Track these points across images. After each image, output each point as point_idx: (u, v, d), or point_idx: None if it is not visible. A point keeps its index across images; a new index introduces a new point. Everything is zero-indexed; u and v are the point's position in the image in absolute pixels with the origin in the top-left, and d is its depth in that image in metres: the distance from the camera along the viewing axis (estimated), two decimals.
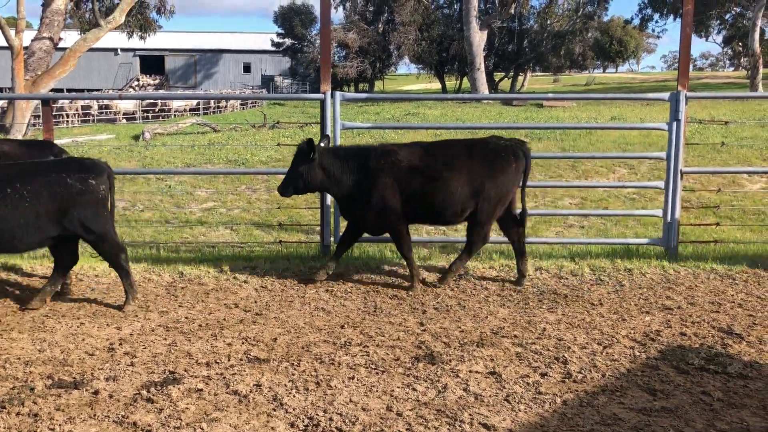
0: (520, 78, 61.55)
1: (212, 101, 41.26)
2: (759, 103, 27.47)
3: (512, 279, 6.90)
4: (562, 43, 57.53)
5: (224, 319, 5.75)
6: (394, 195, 6.41)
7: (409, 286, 6.60)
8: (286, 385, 4.40)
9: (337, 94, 7.39)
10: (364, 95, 8.55)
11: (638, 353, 4.97)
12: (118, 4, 18.55)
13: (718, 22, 61.23)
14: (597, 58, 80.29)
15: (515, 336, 5.33)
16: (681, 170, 7.49)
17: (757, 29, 44.39)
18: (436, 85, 65.01)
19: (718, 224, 8.46)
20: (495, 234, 7.22)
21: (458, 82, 61.48)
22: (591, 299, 6.28)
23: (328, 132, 7.35)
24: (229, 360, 4.83)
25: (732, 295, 6.39)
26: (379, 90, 67.20)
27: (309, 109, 32.49)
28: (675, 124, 7.35)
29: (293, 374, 4.57)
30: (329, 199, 7.46)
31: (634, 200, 11.21)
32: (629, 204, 11.08)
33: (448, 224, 7.14)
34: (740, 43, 63.65)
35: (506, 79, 61.12)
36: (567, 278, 6.97)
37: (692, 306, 6.09)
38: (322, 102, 7.37)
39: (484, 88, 38.17)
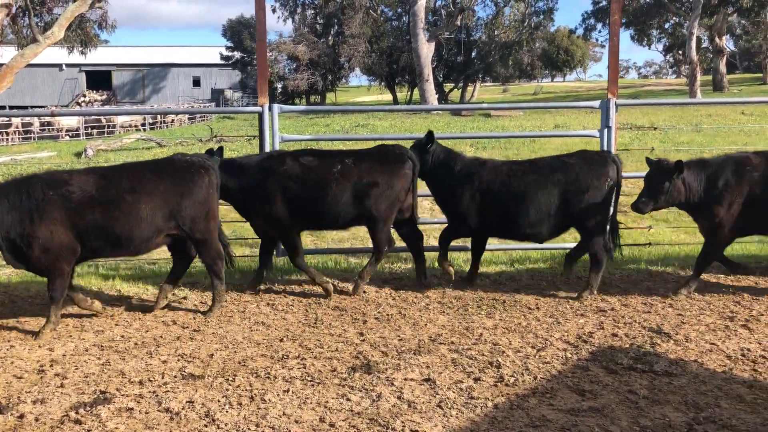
0: (470, 88, 62.45)
1: (159, 116, 40.65)
2: (696, 109, 28.45)
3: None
4: (510, 54, 58.63)
5: (161, 337, 5.67)
6: (64, 231, 5.63)
7: (39, 331, 5.75)
8: (219, 401, 4.36)
9: (275, 106, 7.40)
10: (302, 107, 8.59)
11: (570, 355, 5.09)
12: (57, 18, 18.16)
13: (659, 31, 63.28)
14: (545, 67, 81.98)
15: (452, 342, 5.40)
16: None
17: (694, 38, 46.03)
18: (388, 96, 65.48)
19: (650, 227, 8.72)
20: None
21: (409, 93, 62.04)
22: (528, 303, 6.40)
23: (267, 145, 7.34)
24: (162, 377, 4.77)
25: (663, 296, 6.59)
26: (331, 102, 67.32)
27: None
28: (606, 131, 7.58)
29: (227, 390, 4.54)
30: None
31: None
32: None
33: (137, 254, 6.26)
34: (680, 52, 65.85)
35: (456, 89, 61.93)
36: (506, 284, 7.09)
37: (625, 307, 6.26)
38: (260, 115, 7.36)
39: (433, 99, 38.61)
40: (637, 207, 6.41)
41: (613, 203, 6.52)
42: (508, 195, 6.54)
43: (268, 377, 4.74)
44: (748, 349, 5.15)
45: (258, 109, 7.39)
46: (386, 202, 6.63)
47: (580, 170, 6.46)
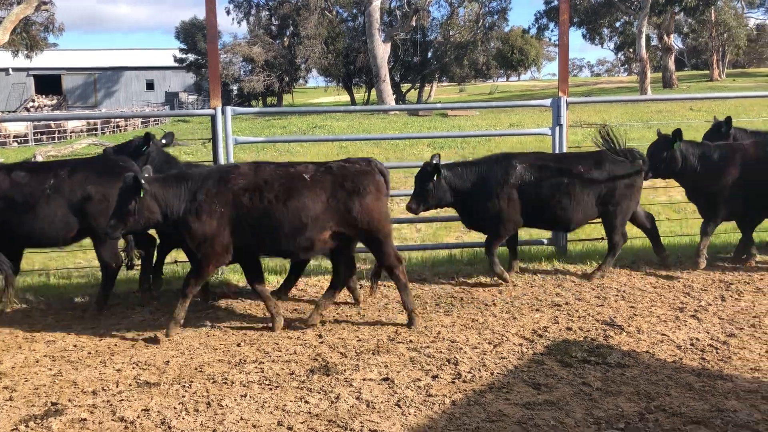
0: (427, 88, 62.76)
1: (111, 120, 39.85)
2: (647, 105, 29.14)
3: None
4: (465, 53, 59.13)
5: (115, 345, 5.56)
6: None
7: None
8: (175, 408, 4.30)
9: (228, 108, 7.32)
10: (256, 109, 8.49)
11: (526, 350, 5.16)
12: (0, 21, 17.64)
13: (610, 29, 64.62)
14: (500, 67, 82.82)
15: (410, 341, 5.42)
16: None
17: (643, 36, 47.16)
18: (345, 97, 65.41)
19: None
20: None
21: (366, 94, 62.04)
22: (485, 300, 6.47)
23: (220, 148, 7.26)
24: (117, 386, 4.69)
25: (616, 289, 6.73)
26: (289, 103, 66.89)
27: None
28: (558, 128, 7.70)
29: (184, 396, 4.48)
30: None
31: None
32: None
33: None
34: (630, 50, 67.35)
35: (413, 89, 62.20)
36: (464, 281, 7.15)
37: (579, 301, 6.38)
38: (213, 118, 7.28)
39: (390, 100, 38.73)
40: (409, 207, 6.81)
41: None
42: None
43: (225, 382, 4.69)
44: (697, 339, 5.30)
45: (210, 111, 7.31)
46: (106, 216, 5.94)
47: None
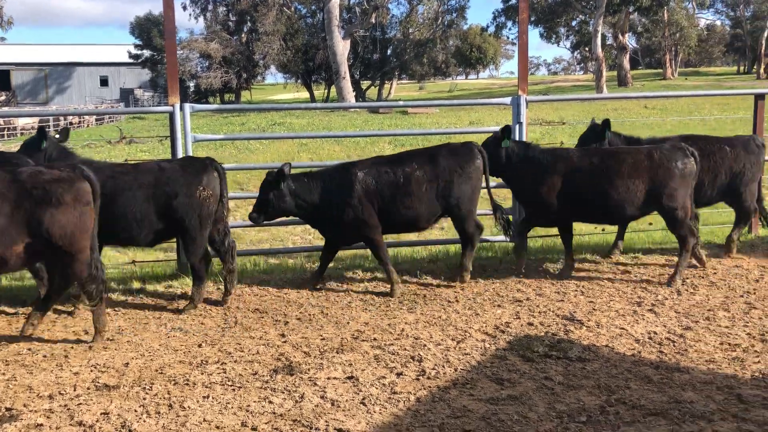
0: (387, 86, 62.81)
1: (63, 117, 38.84)
2: (603, 103, 29.68)
3: None
4: (425, 51, 59.34)
5: (72, 347, 5.43)
6: None
7: None
8: (136, 411, 4.22)
9: (187, 105, 7.20)
10: (215, 106, 8.41)
11: (488, 345, 5.21)
12: None
13: (566, 28, 65.65)
14: (459, 65, 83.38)
15: (374, 339, 5.42)
16: None
17: (599, 35, 48.03)
18: (305, 94, 65.03)
19: None
20: None
21: (326, 90, 61.81)
22: (448, 297, 6.51)
23: (179, 145, 7.14)
24: (74, 390, 4.57)
25: (576, 284, 6.84)
26: (247, 100, 66.19)
27: None
28: (517, 126, 7.79)
29: (144, 399, 4.40)
30: None
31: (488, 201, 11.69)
32: (485, 204, 11.54)
33: None
34: (586, 48, 68.54)
35: (373, 87, 62.20)
36: (426, 278, 7.17)
37: (540, 297, 6.46)
38: (171, 115, 7.15)
39: (350, 96, 38.67)
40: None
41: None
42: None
43: (187, 384, 4.62)
44: (655, 332, 5.42)
45: (169, 108, 7.18)
46: None
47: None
